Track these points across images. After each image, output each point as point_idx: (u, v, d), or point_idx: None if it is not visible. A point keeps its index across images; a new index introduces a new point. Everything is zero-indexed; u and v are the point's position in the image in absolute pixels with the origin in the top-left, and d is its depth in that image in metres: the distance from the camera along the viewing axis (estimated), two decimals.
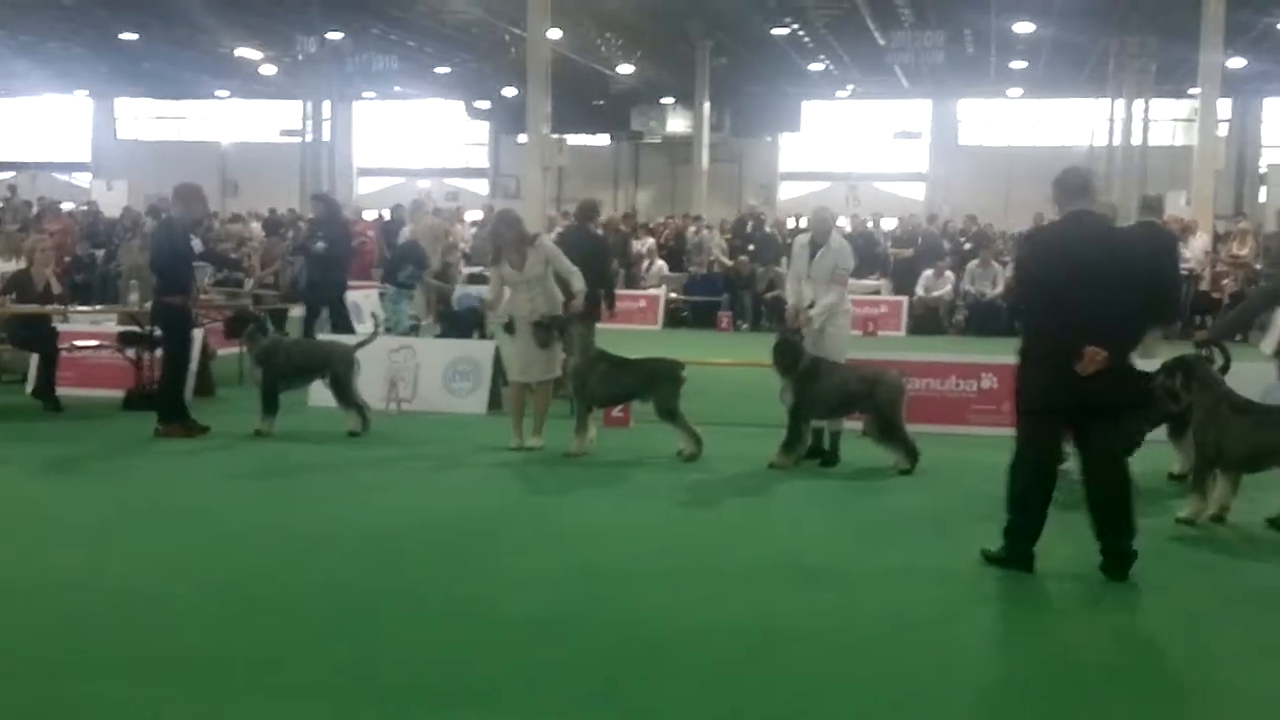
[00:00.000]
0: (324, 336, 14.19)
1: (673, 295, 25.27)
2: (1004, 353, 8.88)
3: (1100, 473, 6.96)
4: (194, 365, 12.51)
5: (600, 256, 13.05)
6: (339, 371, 11.51)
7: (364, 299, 18.36)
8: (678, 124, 45.08)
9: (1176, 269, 13.57)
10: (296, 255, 18.30)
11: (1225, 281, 22.00)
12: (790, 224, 28.52)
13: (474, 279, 21.37)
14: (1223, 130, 35.03)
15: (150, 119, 53.21)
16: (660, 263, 25.99)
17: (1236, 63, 32.91)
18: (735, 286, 24.59)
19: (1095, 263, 6.80)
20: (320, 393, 12.09)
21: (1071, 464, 7.56)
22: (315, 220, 16.19)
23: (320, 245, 14.99)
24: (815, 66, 40.88)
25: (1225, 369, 8.53)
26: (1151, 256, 11.37)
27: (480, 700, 5.13)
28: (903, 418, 10.02)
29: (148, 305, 12.28)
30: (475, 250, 24.89)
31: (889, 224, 29.54)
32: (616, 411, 11.54)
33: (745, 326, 23.73)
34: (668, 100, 44.85)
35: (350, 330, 14.71)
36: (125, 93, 51.20)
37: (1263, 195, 36.16)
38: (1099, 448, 6.99)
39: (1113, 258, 6.90)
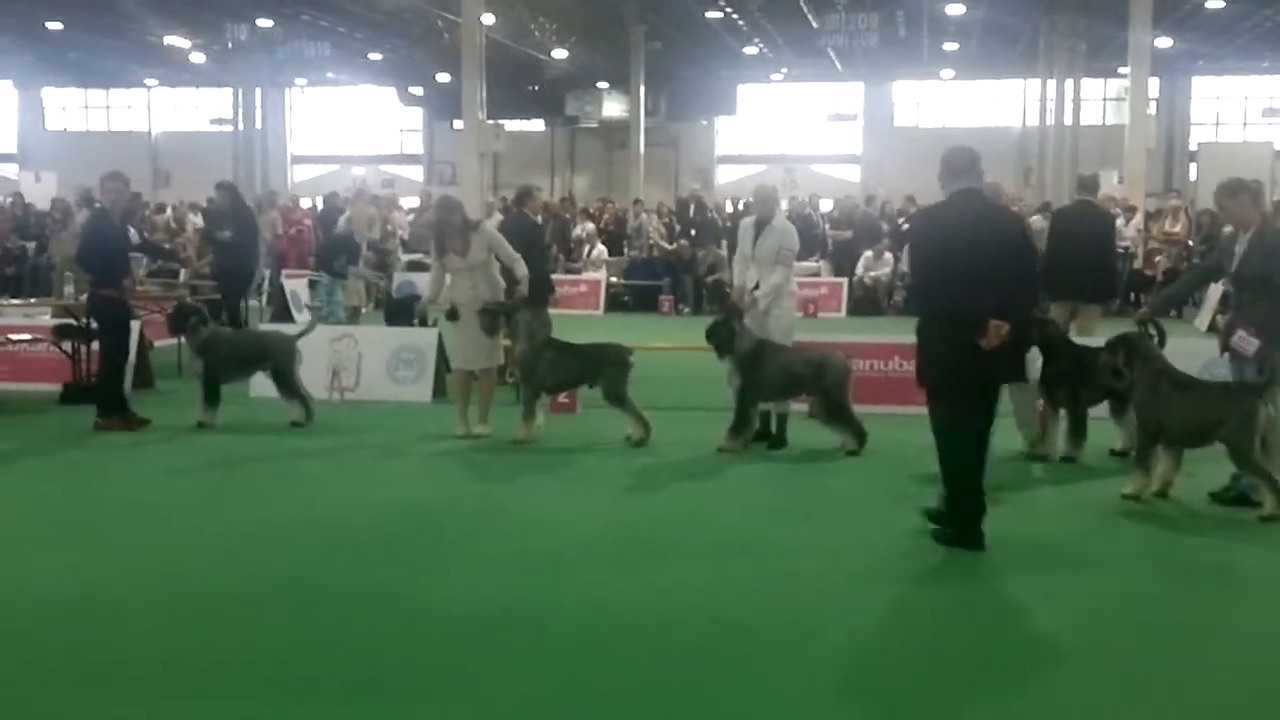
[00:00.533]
0: (265, 327, 14.05)
1: (613, 280, 25.20)
2: None
3: (982, 440, 7.27)
4: (132, 357, 12.32)
5: (535, 242, 12.95)
6: (280, 362, 11.41)
7: (303, 288, 18.20)
8: (613, 109, 44.94)
9: (1114, 246, 13.73)
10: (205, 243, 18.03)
11: (1159, 259, 22.25)
12: (729, 208, 28.49)
13: (413, 265, 21.24)
14: (1151, 109, 35.45)
15: (78, 109, 52.39)
16: (601, 247, 25.91)
17: (1164, 42, 33.30)
18: (676, 270, 24.57)
19: (983, 239, 6.96)
20: (262, 384, 11.96)
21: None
22: (218, 209, 15.95)
23: (226, 233, 14.83)
24: (750, 50, 40.95)
25: (1161, 345, 8.64)
26: (1090, 235, 11.63)
27: (428, 691, 5.11)
28: (850, 399, 10.05)
29: (83, 298, 12.08)
30: (414, 237, 24.70)
31: (826, 206, 29.64)
32: (563, 397, 11.51)
33: (687, 310, 23.70)
34: (603, 85, 44.72)
35: (290, 318, 14.56)
36: (52, 83, 50.37)
37: (1193, 172, 36.65)
38: (986, 418, 7.30)
39: (997, 234, 7.08)
